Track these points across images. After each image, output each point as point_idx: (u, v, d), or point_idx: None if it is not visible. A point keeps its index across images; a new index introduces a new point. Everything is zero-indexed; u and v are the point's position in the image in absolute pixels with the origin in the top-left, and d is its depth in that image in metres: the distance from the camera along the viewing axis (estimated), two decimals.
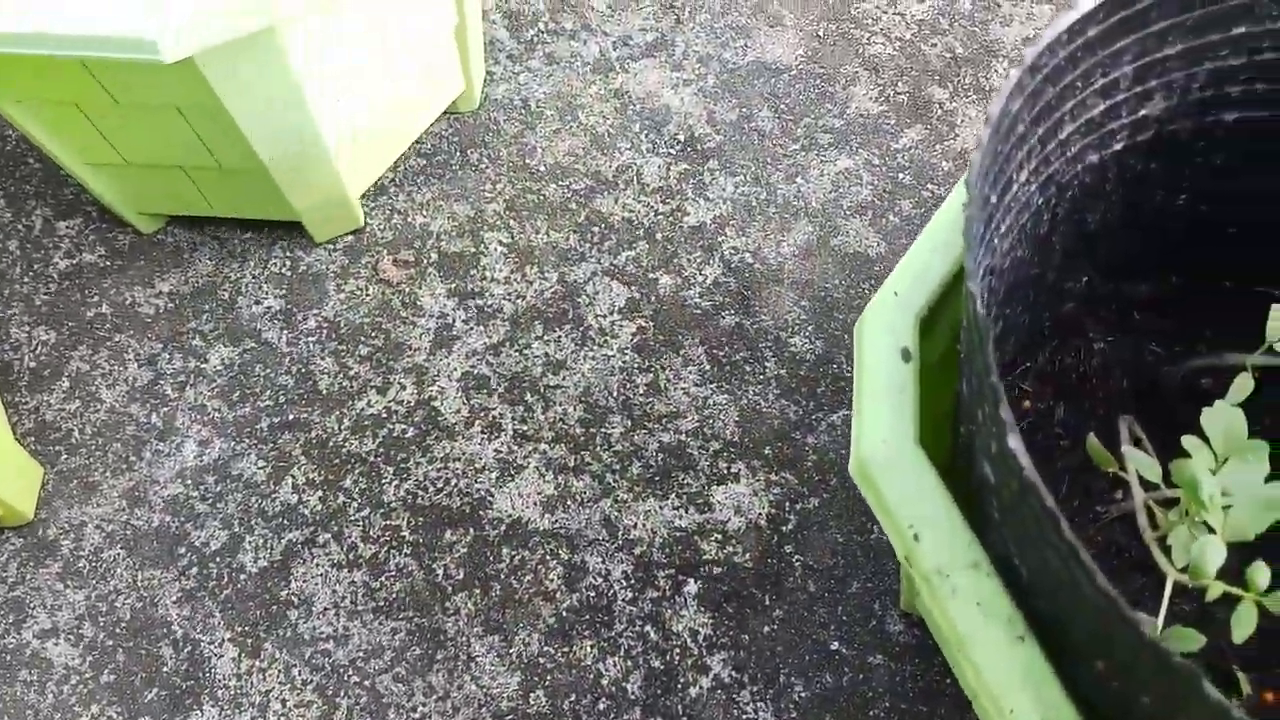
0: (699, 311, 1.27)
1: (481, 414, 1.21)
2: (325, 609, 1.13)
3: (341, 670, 1.10)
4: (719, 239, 1.31)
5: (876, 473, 0.73)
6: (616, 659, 1.09)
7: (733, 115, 1.39)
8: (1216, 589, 0.69)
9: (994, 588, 0.68)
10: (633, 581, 1.13)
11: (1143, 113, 0.84)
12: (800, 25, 1.46)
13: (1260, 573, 0.68)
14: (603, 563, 1.13)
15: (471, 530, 1.16)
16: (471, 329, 1.26)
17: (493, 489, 1.18)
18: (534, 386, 1.23)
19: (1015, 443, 0.58)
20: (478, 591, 1.13)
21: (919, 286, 0.82)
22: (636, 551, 1.14)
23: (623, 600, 1.12)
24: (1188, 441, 0.77)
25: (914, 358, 0.77)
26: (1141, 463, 0.80)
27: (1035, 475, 0.57)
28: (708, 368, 1.24)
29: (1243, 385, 0.86)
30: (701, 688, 1.07)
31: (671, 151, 1.37)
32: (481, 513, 1.17)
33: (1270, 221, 0.95)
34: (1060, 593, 0.63)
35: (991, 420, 0.61)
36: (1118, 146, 0.86)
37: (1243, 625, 0.67)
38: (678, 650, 1.09)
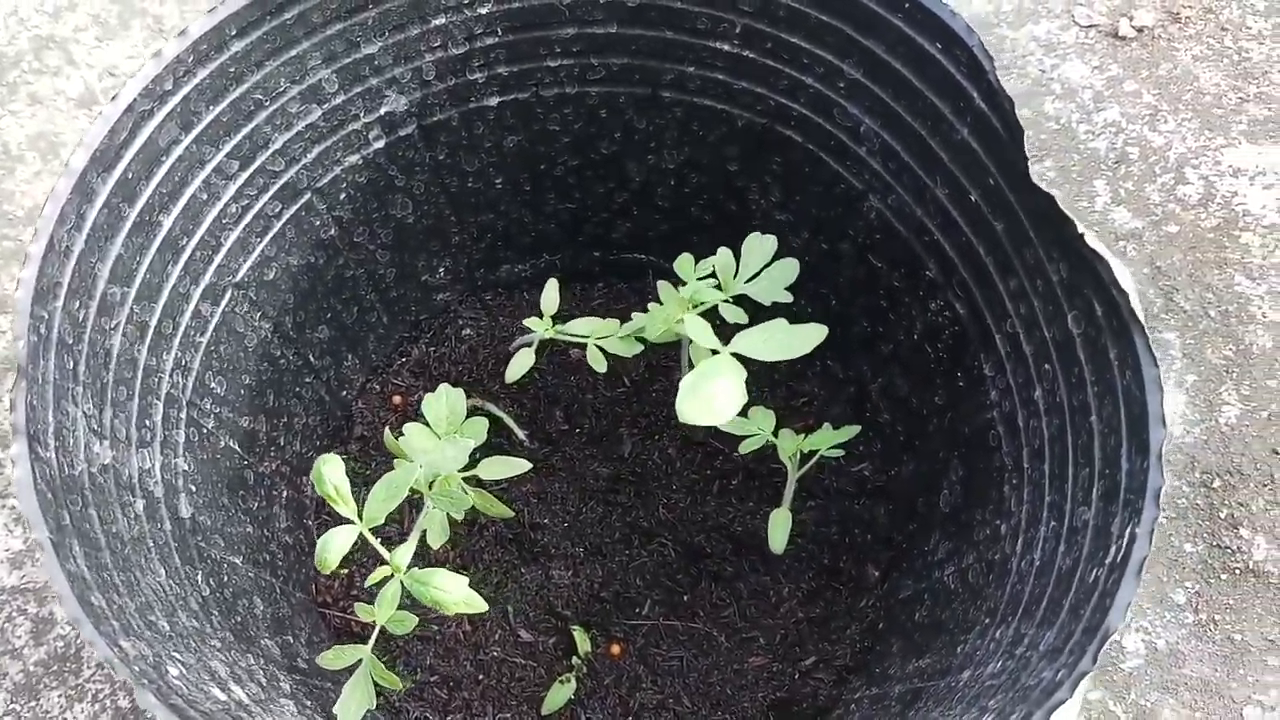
0: None
1: None
2: None
3: None
4: None
5: None
6: (84, 704, 1.08)
7: None
8: (379, 574, 0.72)
9: None
10: None
11: (384, 110, 0.86)
12: None
13: (401, 553, 0.71)
14: None
15: None
16: None
17: None
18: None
19: None
20: None
21: None
22: None
23: (91, 646, 1.11)
24: (409, 428, 0.80)
25: None
26: (390, 444, 0.82)
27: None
28: None
29: (522, 361, 0.89)
30: None
31: None
32: None
33: (593, 193, 0.98)
34: None
35: None
36: (378, 144, 0.88)
37: (386, 604, 0.70)
38: None
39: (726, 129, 0.90)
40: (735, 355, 0.71)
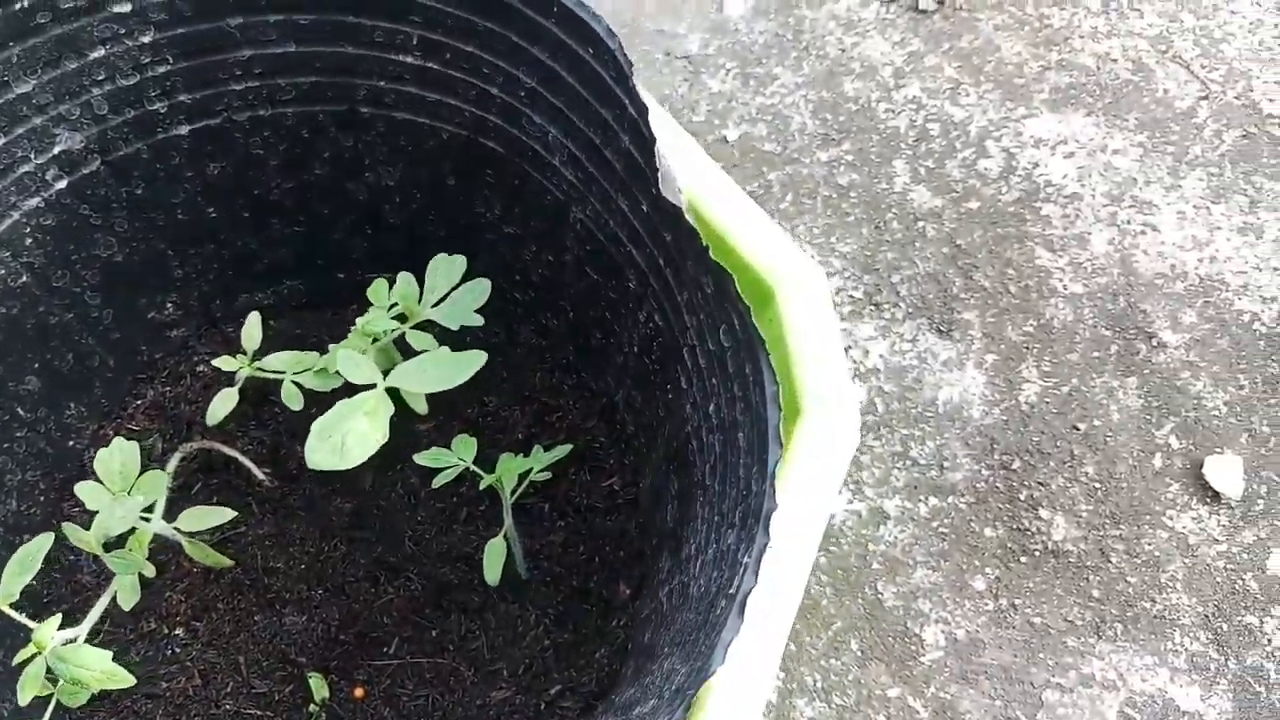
0: None
1: None
2: None
3: None
4: None
5: None
6: None
7: None
8: (26, 653, 0.68)
9: None
10: None
11: (59, 149, 0.81)
12: None
13: (46, 630, 0.67)
14: None
15: None
16: None
17: None
18: None
19: None
20: None
21: None
22: None
23: None
24: (80, 488, 0.76)
25: None
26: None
27: None
28: None
29: (223, 404, 0.86)
30: None
31: None
32: None
33: (318, 214, 0.94)
34: None
35: None
36: (60, 185, 0.83)
37: (29, 684, 0.66)
38: None
39: (434, 143, 0.86)
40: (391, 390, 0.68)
